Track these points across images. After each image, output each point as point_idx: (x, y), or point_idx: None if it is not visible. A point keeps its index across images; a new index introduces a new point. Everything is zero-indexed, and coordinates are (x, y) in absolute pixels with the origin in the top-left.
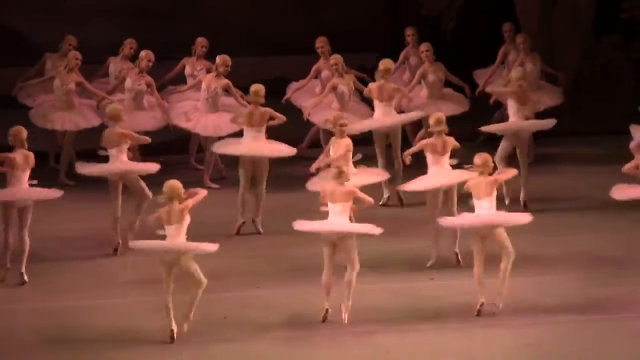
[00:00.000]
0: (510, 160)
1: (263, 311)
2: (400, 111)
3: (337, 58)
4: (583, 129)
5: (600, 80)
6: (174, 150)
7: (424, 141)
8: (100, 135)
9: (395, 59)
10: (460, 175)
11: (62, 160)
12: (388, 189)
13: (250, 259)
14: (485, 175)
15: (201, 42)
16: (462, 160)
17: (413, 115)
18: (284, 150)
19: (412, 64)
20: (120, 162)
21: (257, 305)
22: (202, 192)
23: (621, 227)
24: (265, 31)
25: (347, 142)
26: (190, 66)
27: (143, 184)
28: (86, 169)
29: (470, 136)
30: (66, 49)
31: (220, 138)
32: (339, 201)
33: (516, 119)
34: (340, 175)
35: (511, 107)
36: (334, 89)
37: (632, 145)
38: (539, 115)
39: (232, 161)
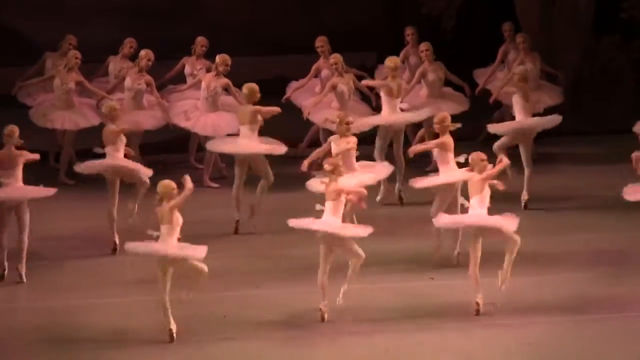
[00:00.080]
0: (514, 160)
1: (262, 311)
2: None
3: (336, 57)
4: (583, 129)
5: (600, 80)
6: (174, 150)
7: (437, 140)
8: (100, 134)
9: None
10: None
11: (62, 160)
12: (386, 187)
13: (249, 258)
14: (478, 173)
15: (201, 41)
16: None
17: (422, 113)
18: (275, 148)
19: (411, 63)
20: (114, 159)
21: (257, 305)
22: (187, 188)
23: (621, 227)
24: (265, 30)
25: (352, 140)
26: (190, 65)
27: (141, 173)
28: (80, 167)
29: (471, 135)
30: (66, 48)
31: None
32: (329, 199)
33: (522, 117)
34: (333, 172)
35: (516, 103)
36: (334, 88)
37: None
38: (538, 115)
39: (233, 160)
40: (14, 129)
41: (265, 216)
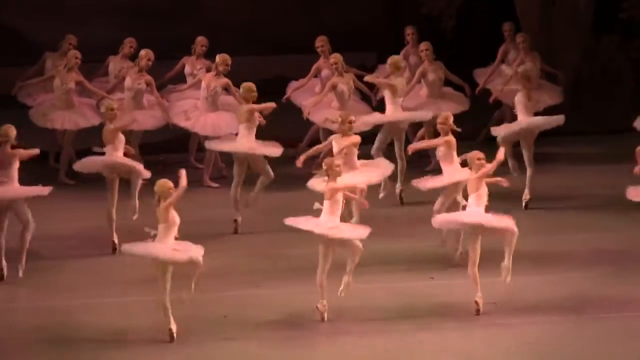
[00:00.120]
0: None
1: (262, 310)
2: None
3: (336, 57)
4: (583, 129)
5: (599, 80)
6: (174, 149)
7: (444, 138)
8: (100, 134)
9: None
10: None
11: (62, 160)
12: (389, 184)
13: (249, 258)
14: (474, 172)
15: (201, 41)
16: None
17: (426, 112)
18: (272, 150)
19: (411, 63)
20: (111, 156)
21: (257, 305)
22: (181, 186)
23: (621, 226)
24: (265, 30)
25: (356, 139)
26: (190, 65)
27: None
28: (79, 165)
29: (471, 135)
30: (66, 48)
31: None
32: (326, 198)
33: (524, 116)
34: (328, 171)
35: (519, 103)
36: (334, 88)
37: None
38: (539, 115)
39: (232, 160)
40: (9, 130)
41: (265, 215)
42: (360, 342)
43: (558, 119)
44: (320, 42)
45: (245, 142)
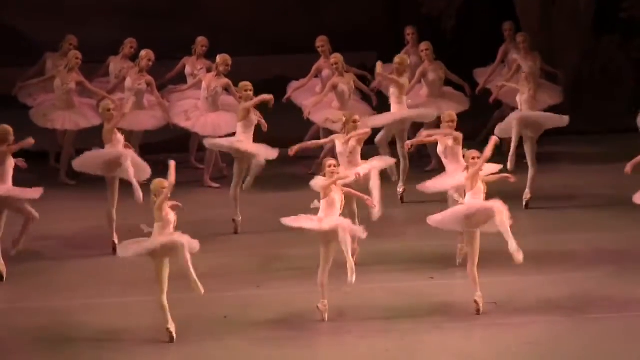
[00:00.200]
0: (518, 161)
1: (263, 310)
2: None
3: (337, 57)
4: (583, 128)
5: (600, 80)
6: (175, 149)
7: (455, 133)
8: (101, 134)
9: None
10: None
11: (62, 160)
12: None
13: (249, 258)
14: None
15: (201, 41)
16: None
17: (430, 112)
18: (268, 153)
19: (412, 63)
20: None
21: (257, 305)
22: (169, 182)
23: (622, 226)
24: (266, 30)
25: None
26: (191, 65)
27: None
28: (77, 163)
29: (471, 135)
30: (67, 48)
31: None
32: (322, 197)
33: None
34: (324, 171)
35: (524, 103)
36: (334, 88)
37: None
38: None
39: (233, 160)
40: (6, 130)
41: (265, 216)
42: (361, 342)
43: (563, 119)
44: (321, 42)
45: (242, 140)
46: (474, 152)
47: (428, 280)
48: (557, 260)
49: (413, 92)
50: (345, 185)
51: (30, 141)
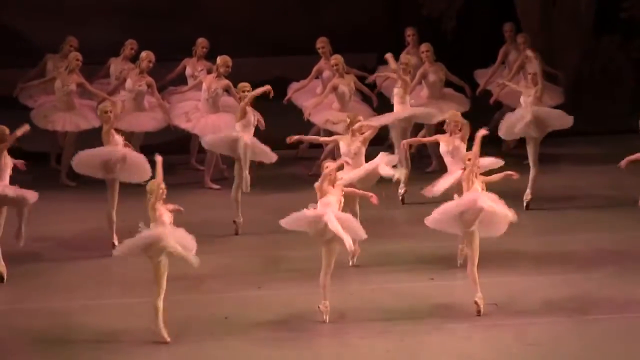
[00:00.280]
0: (517, 161)
1: (263, 311)
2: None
3: (337, 58)
4: (583, 129)
5: (600, 80)
6: (175, 151)
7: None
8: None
9: (395, 59)
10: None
11: (63, 161)
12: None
13: (250, 259)
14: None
15: (202, 42)
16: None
17: (433, 112)
18: (266, 155)
19: (412, 64)
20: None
21: (258, 306)
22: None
23: (622, 227)
24: (266, 32)
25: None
26: (191, 67)
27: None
28: (76, 162)
29: (471, 136)
30: (67, 50)
31: None
32: (318, 198)
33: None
34: (322, 172)
35: (523, 103)
36: (335, 89)
37: None
38: None
39: (233, 162)
40: (2, 130)
41: (266, 217)
42: (361, 343)
43: (567, 119)
44: (321, 43)
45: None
46: (468, 154)
47: (429, 281)
48: (558, 261)
49: (414, 94)
50: (349, 185)
51: (26, 127)
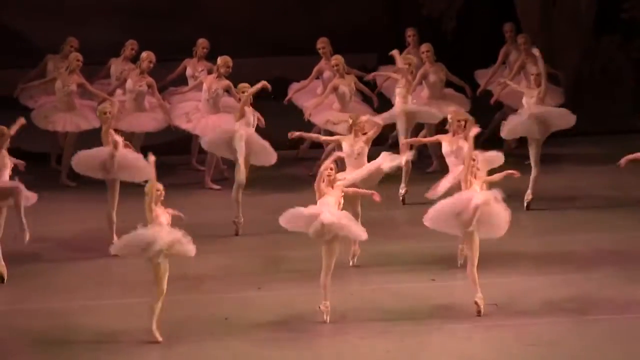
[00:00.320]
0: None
1: (264, 312)
2: None
3: (338, 59)
4: (583, 129)
5: (600, 80)
6: (176, 151)
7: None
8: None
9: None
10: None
11: (63, 162)
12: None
13: (250, 259)
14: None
15: (202, 43)
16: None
17: (435, 111)
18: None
19: (413, 64)
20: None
21: (258, 306)
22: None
23: (623, 227)
24: (266, 32)
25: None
26: (192, 67)
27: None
28: (75, 162)
29: None
30: (67, 50)
31: None
32: (317, 199)
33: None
34: (323, 175)
35: (525, 103)
36: (335, 89)
37: None
38: None
39: (234, 162)
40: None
41: (266, 217)
42: (361, 343)
43: (570, 118)
44: (322, 43)
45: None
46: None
47: (429, 281)
48: (558, 261)
49: (414, 94)
50: (351, 185)
51: (21, 121)
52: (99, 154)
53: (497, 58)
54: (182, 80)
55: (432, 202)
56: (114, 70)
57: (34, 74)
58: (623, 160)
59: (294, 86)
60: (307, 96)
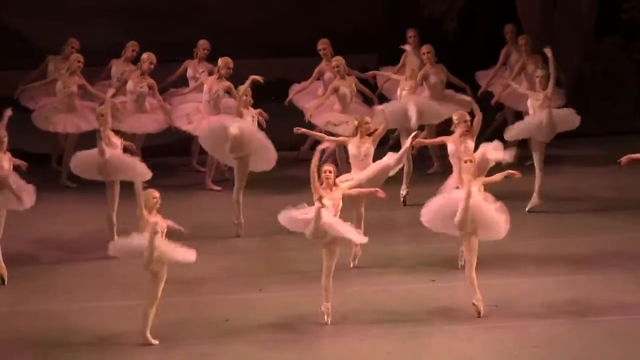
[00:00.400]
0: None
1: (264, 313)
2: None
3: (338, 60)
4: (584, 130)
5: (601, 81)
6: (176, 152)
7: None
8: None
9: (396, 61)
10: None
11: (64, 163)
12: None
13: (251, 261)
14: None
15: (203, 44)
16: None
17: (440, 109)
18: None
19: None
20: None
21: (259, 307)
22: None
23: (623, 228)
24: (267, 33)
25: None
26: (192, 68)
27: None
28: (74, 163)
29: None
30: (68, 51)
31: None
32: (315, 200)
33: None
34: (322, 177)
35: (531, 106)
36: (336, 91)
37: None
38: None
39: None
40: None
41: (267, 218)
42: (362, 345)
43: (575, 118)
44: (322, 45)
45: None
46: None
47: (430, 283)
48: (560, 262)
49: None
50: (357, 186)
51: (8, 113)
52: (94, 155)
53: (497, 59)
54: (183, 82)
55: None
56: (115, 71)
57: (34, 75)
58: (624, 159)
59: (295, 87)
60: (308, 97)
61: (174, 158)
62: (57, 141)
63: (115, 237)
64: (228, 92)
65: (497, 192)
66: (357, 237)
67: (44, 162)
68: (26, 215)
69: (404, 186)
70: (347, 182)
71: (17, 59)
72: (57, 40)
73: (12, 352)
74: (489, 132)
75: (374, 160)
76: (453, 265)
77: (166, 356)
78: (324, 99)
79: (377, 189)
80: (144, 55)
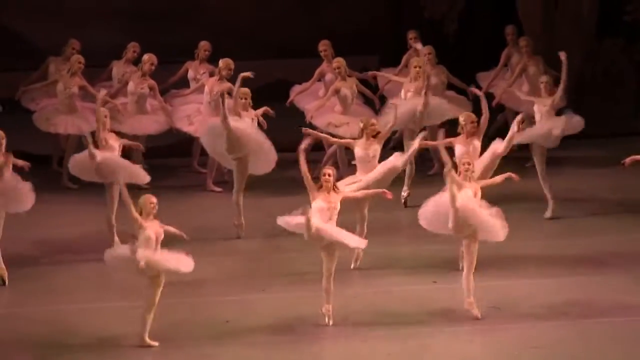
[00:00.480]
0: (520, 164)
1: (265, 315)
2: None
3: (339, 61)
4: (585, 131)
5: (602, 83)
6: (177, 154)
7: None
8: None
9: (397, 62)
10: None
11: (64, 164)
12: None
13: (252, 262)
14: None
15: (204, 45)
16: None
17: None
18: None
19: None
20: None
21: (259, 309)
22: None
23: (625, 230)
24: (268, 34)
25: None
26: (193, 70)
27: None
28: (73, 165)
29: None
30: (69, 52)
31: None
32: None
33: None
34: (322, 180)
35: (537, 112)
36: (337, 92)
37: None
38: None
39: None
40: None
41: (268, 220)
42: (363, 347)
43: (579, 122)
44: (323, 46)
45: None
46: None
47: (431, 284)
48: (561, 263)
49: None
50: (364, 187)
51: None
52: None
53: (498, 60)
54: (184, 83)
55: None
56: (116, 72)
57: (35, 76)
58: (628, 160)
59: (296, 88)
60: (309, 99)
61: (174, 159)
62: (58, 142)
63: (116, 238)
64: (229, 93)
65: (497, 193)
66: (352, 240)
67: (45, 163)
68: (27, 216)
69: (405, 187)
70: (354, 185)
71: (18, 60)
72: (57, 42)
73: (12, 353)
74: (490, 133)
75: (379, 162)
76: (454, 267)
77: (166, 358)
78: (325, 100)
79: (384, 189)
80: (145, 57)
